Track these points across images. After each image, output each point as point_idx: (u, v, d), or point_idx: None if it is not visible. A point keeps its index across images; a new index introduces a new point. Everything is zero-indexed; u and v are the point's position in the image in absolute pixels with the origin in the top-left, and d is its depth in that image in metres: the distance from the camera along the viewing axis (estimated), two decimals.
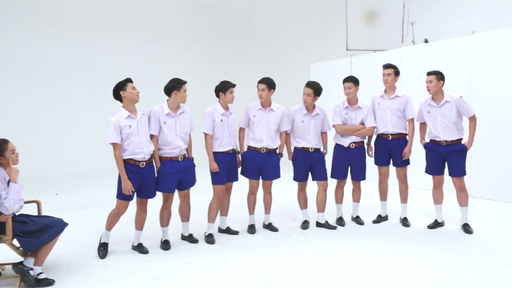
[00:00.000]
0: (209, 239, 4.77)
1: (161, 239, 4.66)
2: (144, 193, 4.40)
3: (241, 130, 5.11)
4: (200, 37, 12.31)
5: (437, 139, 4.94)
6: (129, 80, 4.29)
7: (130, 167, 4.21)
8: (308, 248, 4.54)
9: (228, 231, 5.08)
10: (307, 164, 5.14)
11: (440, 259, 4.12)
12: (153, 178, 4.43)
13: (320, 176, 5.16)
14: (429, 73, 4.92)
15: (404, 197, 5.35)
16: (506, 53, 6.33)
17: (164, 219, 4.63)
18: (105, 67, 10.73)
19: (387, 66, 5.21)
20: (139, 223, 4.50)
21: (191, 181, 4.66)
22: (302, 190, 5.30)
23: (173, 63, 11.66)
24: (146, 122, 4.35)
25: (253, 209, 5.17)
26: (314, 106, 5.15)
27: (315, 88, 5.03)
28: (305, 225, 5.24)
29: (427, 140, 5.15)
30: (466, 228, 4.92)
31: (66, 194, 7.71)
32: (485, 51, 6.58)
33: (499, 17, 7.85)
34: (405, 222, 5.26)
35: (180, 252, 4.47)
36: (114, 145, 4.16)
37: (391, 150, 5.18)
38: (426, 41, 7.70)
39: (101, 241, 4.46)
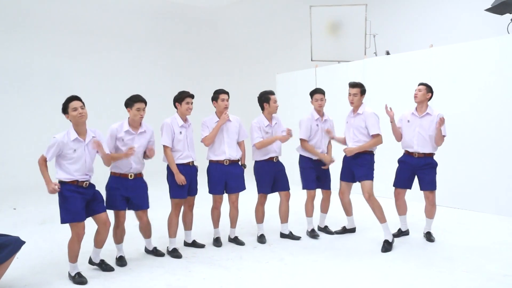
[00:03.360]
0: (175, 253, 4.68)
1: (116, 256, 4.53)
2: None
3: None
4: (163, 45, 12.20)
5: (410, 150, 5.01)
6: (70, 100, 3.95)
7: (73, 187, 3.97)
8: (275, 260, 4.53)
9: (194, 244, 5.01)
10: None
11: (403, 268, 4.20)
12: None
13: (284, 186, 5.19)
14: (421, 84, 5.01)
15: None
16: (463, 66, 6.58)
17: (118, 236, 4.50)
18: (66, 76, 10.46)
19: (353, 85, 5.03)
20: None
21: (144, 203, 4.52)
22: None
23: (136, 72, 11.51)
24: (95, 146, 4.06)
25: (218, 223, 5.12)
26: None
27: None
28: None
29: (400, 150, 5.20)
30: (428, 237, 5.04)
31: (25, 207, 7.41)
32: (443, 64, 6.82)
33: (456, 31, 8.16)
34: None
35: (144, 267, 4.37)
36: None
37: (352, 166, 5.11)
38: (388, 53, 7.91)
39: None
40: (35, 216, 6.73)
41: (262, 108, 5.16)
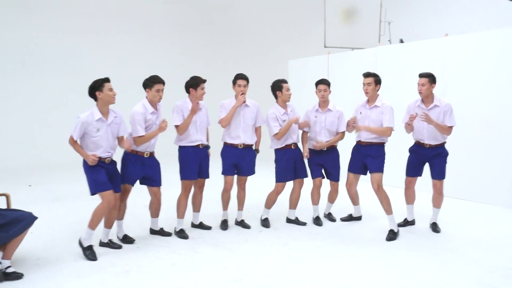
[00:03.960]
0: (182, 234, 4.80)
1: (118, 236, 4.68)
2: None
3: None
4: (176, 29, 12.17)
5: (421, 141, 5.01)
6: (106, 80, 4.18)
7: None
8: (279, 244, 4.62)
9: (201, 226, 5.13)
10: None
11: (406, 257, 4.25)
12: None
13: (301, 174, 5.26)
14: (421, 75, 4.86)
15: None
16: (478, 56, 6.50)
17: (120, 212, 4.63)
18: (80, 58, 10.60)
19: (367, 75, 4.99)
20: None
21: (160, 180, 4.69)
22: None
23: (148, 56, 11.54)
24: (116, 125, 4.29)
25: (227, 205, 5.21)
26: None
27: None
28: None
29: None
30: (434, 227, 5.07)
31: (39, 185, 7.62)
32: (457, 54, 6.74)
33: (471, 20, 8.04)
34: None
35: (151, 247, 4.49)
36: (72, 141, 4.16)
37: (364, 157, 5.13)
38: (402, 41, 7.84)
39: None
40: (48, 193, 6.92)
41: (276, 97, 5.19)
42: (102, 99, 4.13)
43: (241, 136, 4.97)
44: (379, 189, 4.88)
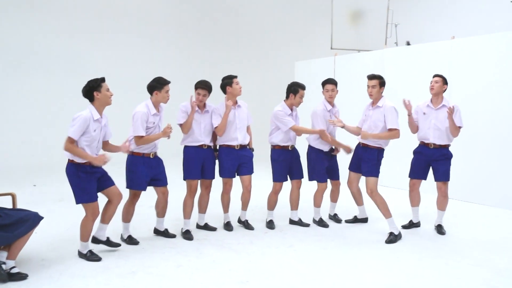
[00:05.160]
0: (187, 235, 4.79)
1: (124, 237, 4.65)
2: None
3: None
4: (181, 30, 12.16)
5: (426, 141, 4.99)
6: (103, 80, 4.05)
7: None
8: (285, 246, 4.59)
9: (206, 227, 5.11)
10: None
11: (412, 259, 4.22)
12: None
13: (298, 174, 5.25)
14: (436, 75, 4.96)
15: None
16: (484, 59, 6.46)
17: (130, 214, 4.63)
18: (86, 58, 10.60)
19: (371, 77, 4.93)
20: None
21: (166, 179, 4.70)
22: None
23: (152, 56, 11.55)
24: (105, 128, 4.19)
25: (228, 208, 5.20)
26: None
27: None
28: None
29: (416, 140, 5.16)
30: (439, 229, 5.04)
31: (44, 185, 7.63)
32: (464, 56, 6.70)
33: (478, 23, 8.00)
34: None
35: (157, 248, 4.48)
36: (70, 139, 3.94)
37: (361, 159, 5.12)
38: (408, 43, 7.79)
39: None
40: (53, 194, 6.93)
41: (287, 97, 5.13)
42: (100, 99, 4.01)
43: (239, 138, 4.97)
44: (372, 194, 4.85)
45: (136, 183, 4.48)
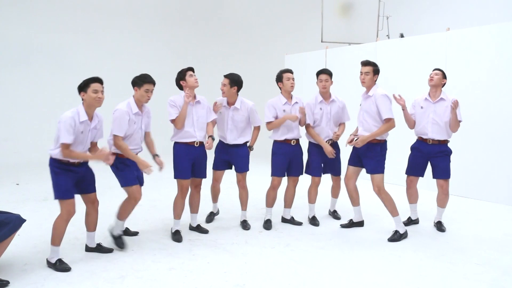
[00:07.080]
0: (176, 236, 4.56)
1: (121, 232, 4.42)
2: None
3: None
4: (170, 23, 11.94)
5: (424, 137, 4.83)
6: (93, 80, 3.75)
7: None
8: (281, 246, 4.42)
9: (198, 228, 4.88)
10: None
11: (414, 258, 4.07)
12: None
13: (295, 171, 5.06)
14: (436, 69, 4.85)
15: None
16: (479, 51, 6.35)
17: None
18: (69, 53, 10.29)
19: (365, 63, 4.68)
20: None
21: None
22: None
23: (141, 51, 11.31)
24: (95, 131, 3.94)
25: (217, 198, 5.23)
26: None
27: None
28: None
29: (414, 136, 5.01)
30: (439, 226, 4.91)
31: (27, 184, 7.33)
32: (459, 48, 6.59)
33: (473, 14, 7.89)
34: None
35: (147, 250, 4.26)
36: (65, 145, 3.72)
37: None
38: (402, 35, 7.67)
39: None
40: (37, 192, 6.65)
41: (280, 88, 4.99)
42: (86, 100, 3.76)
43: (227, 138, 4.83)
44: (380, 192, 4.63)
45: (128, 182, 4.22)
